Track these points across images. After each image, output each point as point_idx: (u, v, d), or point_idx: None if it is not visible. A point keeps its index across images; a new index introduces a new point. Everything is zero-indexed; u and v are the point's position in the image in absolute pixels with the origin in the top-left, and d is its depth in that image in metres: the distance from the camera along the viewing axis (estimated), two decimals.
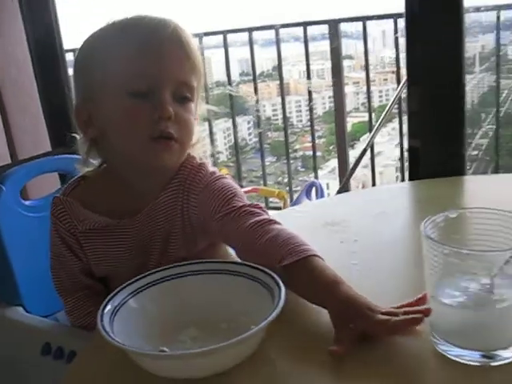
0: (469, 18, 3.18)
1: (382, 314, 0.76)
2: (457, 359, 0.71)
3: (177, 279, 0.86)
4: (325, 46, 3.61)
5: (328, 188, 3.91)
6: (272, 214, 1.07)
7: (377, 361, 0.73)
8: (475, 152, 4.08)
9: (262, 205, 1.02)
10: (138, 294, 0.83)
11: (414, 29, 1.39)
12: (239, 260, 0.95)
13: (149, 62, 0.95)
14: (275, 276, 0.80)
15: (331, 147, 4.34)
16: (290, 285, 0.84)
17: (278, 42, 3.10)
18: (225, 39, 3.17)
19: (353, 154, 3.38)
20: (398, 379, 0.70)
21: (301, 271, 0.85)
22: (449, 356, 0.72)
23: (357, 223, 1.15)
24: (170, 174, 1.03)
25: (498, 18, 2.83)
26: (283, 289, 0.76)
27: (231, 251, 1.05)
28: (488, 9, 2.88)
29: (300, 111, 5.17)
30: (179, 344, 0.78)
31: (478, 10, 2.87)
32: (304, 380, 0.73)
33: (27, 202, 1.40)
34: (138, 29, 0.97)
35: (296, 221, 1.19)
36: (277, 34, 3.07)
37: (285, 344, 0.79)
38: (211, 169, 1.05)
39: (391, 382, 0.70)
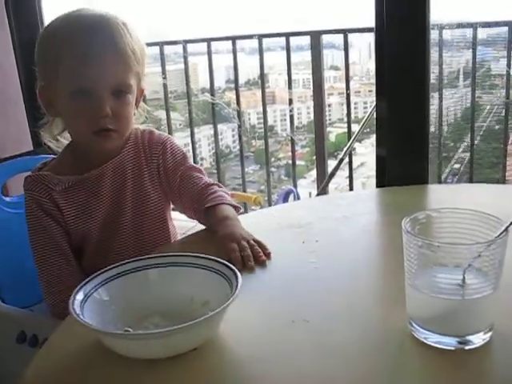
0: (453, 34, 3.26)
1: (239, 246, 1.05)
2: (433, 344, 0.77)
3: (143, 271, 0.92)
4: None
5: (310, 197, 3.95)
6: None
7: (354, 348, 0.80)
8: (457, 165, 4.12)
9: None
10: (107, 284, 0.88)
11: (382, 42, 1.46)
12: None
13: (88, 72, 1.13)
14: (233, 267, 0.86)
15: (314, 157, 4.40)
16: (206, 221, 1.20)
17: (260, 52, 3.15)
18: (209, 47, 3.20)
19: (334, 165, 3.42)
20: (377, 365, 0.76)
21: (212, 212, 1.17)
22: (425, 341, 0.78)
23: (319, 225, 1.21)
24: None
25: (475, 34, 2.91)
26: (240, 281, 0.82)
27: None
28: (464, 26, 2.96)
29: (285, 120, 5.20)
30: (143, 329, 0.84)
31: (453, 26, 2.96)
32: (260, 366, 0.77)
33: (7, 199, 1.45)
34: (81, 38, 1.13)
35: (263, 222, 1.26)
36: (260, 43, 3.12)
37: (242, 331, 0.84)
38: (157, 131, 1.31)
39: (370, 367, 0.75)
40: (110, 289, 0.88)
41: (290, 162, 3.47)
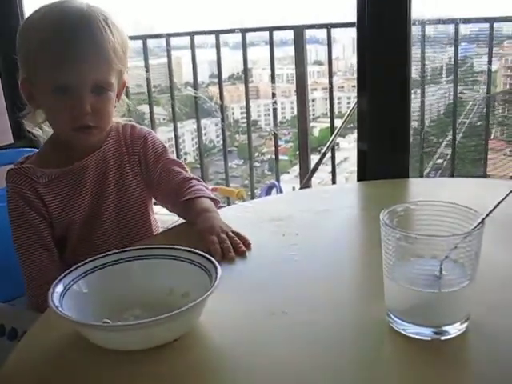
0: (436, 30, 3.28)
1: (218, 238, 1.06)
2: (410, 335, 0.78)
3: (123, 263, 0.92)
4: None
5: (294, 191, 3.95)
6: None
7: (333, 340, 0.80)
8: (440, 161, 4.15)
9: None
10: (86, 276, 0.89)
11: (363, 38, 1.47)
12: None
13: (69, 69, 1.13)
14: (214, 261, 0.86)
15: (297, 152, 4.40)
16: (185, 214, 1.22)
17: (244, 46, 3.15)
18: (192, 41, 3.19)
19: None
20: (355, 356, 0.77)
21: (191, 205, 1.18)
22: (403, 332, 0.79)
23: (300, 218, 1.22)
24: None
25: (457, 31, 2.93)
26: (219, 272, 0.83)
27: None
28: (446, 22, 2.98)
29: (269, 115, 5.21)
30: (123, 321, 0.84)
31: (437, 22, 2.98)
32: (241, 357, 0.78)
33: None
34: (61, 34, 1.12)
35: (243, 215, 1.26)
36: (243, 37, 3.11)
37: (222, 323, 0.85)
38: (138, 126, 1.32)
39: (348, 358, 0.76)
40: (89, 281, 0.88)
41: (274, 156, 3.47)
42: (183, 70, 4.18)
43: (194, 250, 0.90)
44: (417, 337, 0.78)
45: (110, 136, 1.28)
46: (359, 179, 1.59)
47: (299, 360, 0.76)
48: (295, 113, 5.13)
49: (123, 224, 1.27)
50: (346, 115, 2.90)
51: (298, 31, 3.08)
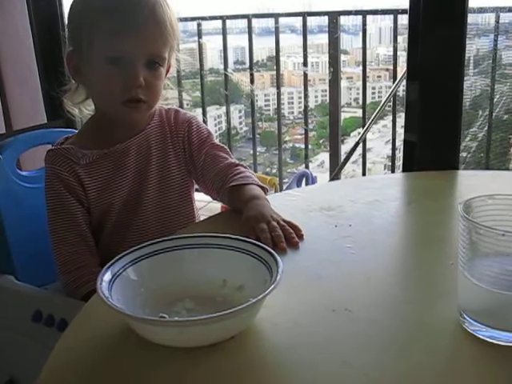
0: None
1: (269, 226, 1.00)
2: (486, 339, 0.72)
3: (174, 251, 0.86)
4: (320, 39, 3.60)
5: (316, 181, 3.91)
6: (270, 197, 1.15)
7: (401, 340, 0.75)
8: (464, 154, 4.08)
9: None
10: (136, 264, 0.83)
11: (417, 24, 1.40)
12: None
13: (127, 38, 1.10)
14: (274, 252, 0.81)
15: (321, 141, 4.35)
16: (231, 201, 1.16)
17: (276, 31, 3.09)
18: (224, 24, 3.14)
19: (343, 149, 3.39)
20: (423, 360, 0.70)
21: (239, 192, 1.13)
22: (478, 335, 0.73)
23: (351, 209, 1.16)
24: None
25: (498, 19, 2.83)
26: (281, 265, 0.77)
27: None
28: (487, 10, 2.89)
29: (292, 103, 5.15)
30: (174, 314, 0.79)
31: (477, 11, 2.88)
32: (301, 354, 0.72)
33: (23, 173, 1.40)
34: (122, 4, 1.11)
35: (291, 204, 1.20)
36: (276, 22, 3.06)
37: (279, 318, 0.79)
38: (182, 110, 1.30)
39: (417, 360, 0.71)
40: (138, 269, 0.83)
41: (296, 145, 3.42)
42: (208, 56, 4.14)
43: (251, 240, 0.85)
44: (494, 341, 0.72)
45: (153, 119, 1.25)
46: (405, 170, 1.53)
47: (364, 360, 0.71)
48: (319, 101, 5.07)
49: (164, 209, 1.23)
50: (380, 106, 2.83)
51: (333, 17, 3.01)
